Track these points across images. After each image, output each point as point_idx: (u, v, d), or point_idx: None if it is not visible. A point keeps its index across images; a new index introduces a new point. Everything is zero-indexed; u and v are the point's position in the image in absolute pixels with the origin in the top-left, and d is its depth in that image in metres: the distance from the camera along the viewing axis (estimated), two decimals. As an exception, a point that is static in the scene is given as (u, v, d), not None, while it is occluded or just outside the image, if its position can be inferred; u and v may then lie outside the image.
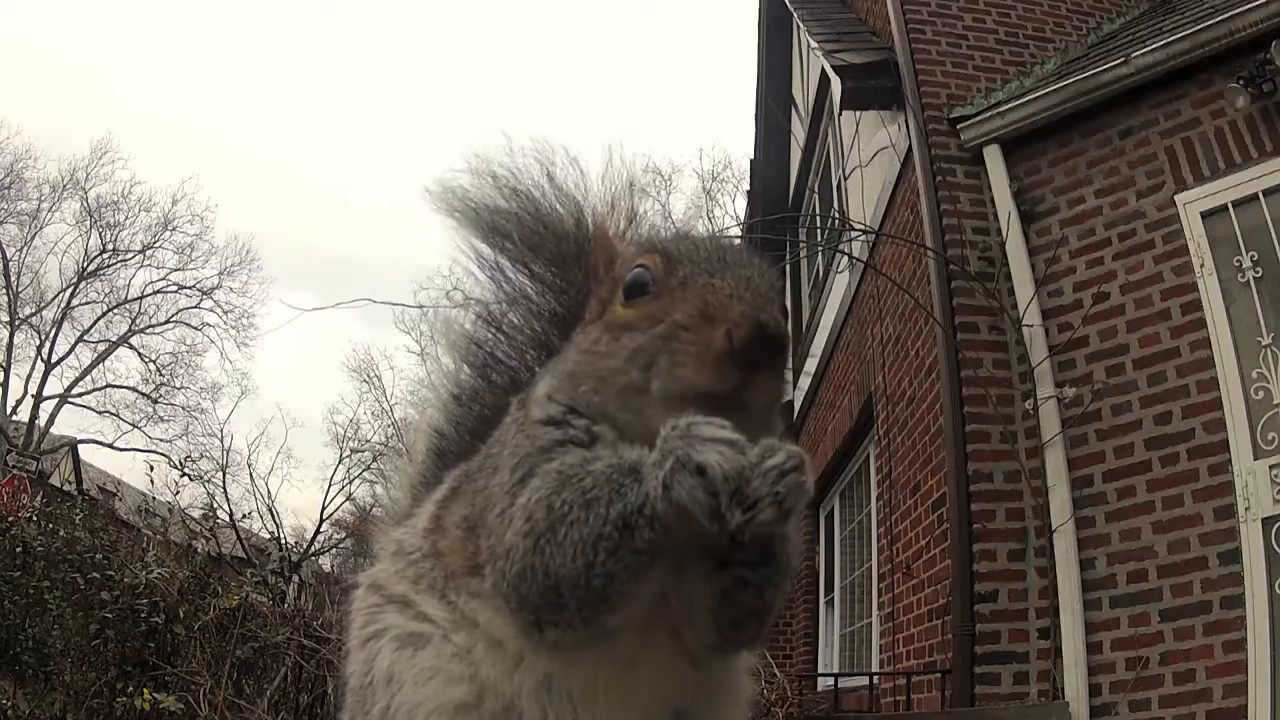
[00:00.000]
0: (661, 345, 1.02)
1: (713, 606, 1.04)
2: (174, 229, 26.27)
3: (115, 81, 43.19)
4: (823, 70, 6.92)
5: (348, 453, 26.11)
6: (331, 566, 21.78)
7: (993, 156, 4.95)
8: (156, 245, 26.20)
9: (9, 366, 24.39)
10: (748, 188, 13.30)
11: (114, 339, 26.10)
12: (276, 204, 46.94)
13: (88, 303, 25.83)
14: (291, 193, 48.00)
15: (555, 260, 1.50)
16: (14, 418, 24.18)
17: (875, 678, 5.92)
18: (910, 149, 5.43)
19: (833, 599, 8.34)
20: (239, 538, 15.38)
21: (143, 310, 26.33)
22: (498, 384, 1.54)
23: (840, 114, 7.30)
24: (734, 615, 1.05)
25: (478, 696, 1.10)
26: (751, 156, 11.57)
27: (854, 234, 6.69)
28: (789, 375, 1.17)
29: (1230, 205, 4.20)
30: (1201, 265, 4.22)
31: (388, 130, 54.56)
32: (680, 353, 1.00)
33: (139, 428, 25.79)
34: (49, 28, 38.78)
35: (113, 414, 25.83)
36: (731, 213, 21.01)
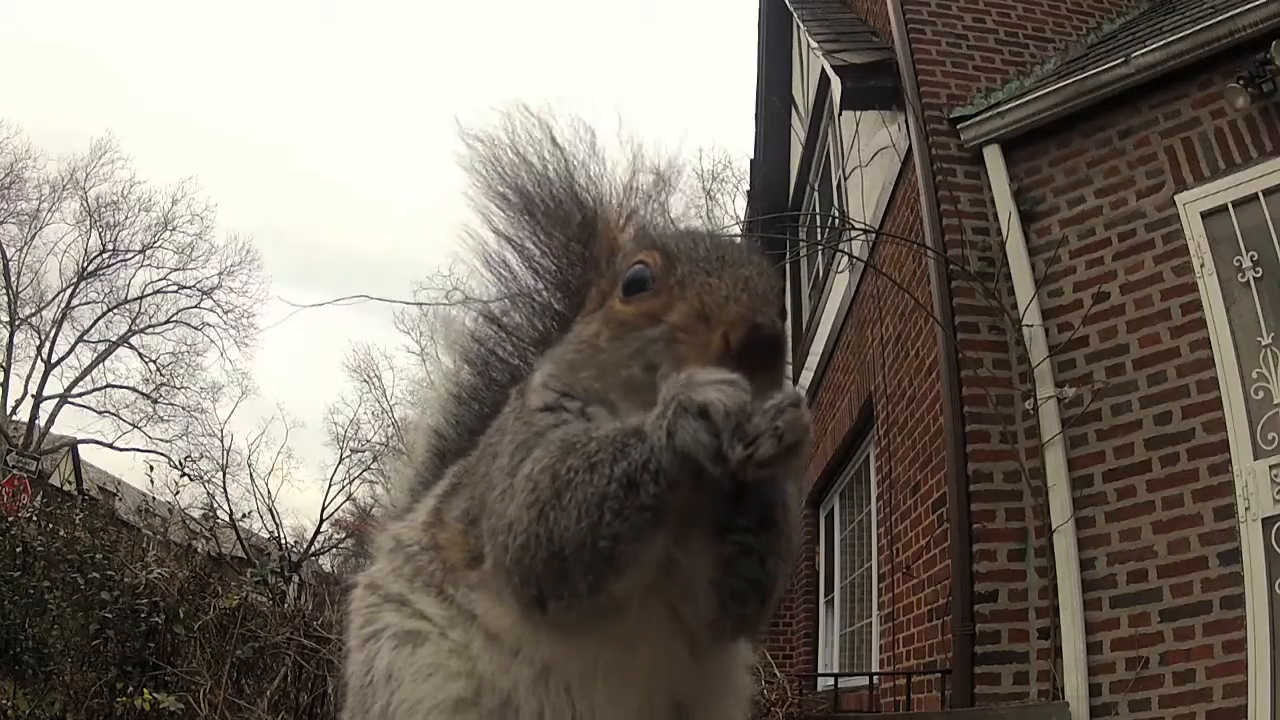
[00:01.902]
0: (663, 349, 1.03)
1: (714, 578, 1.04)
2: (174, 229, 26.26)
3: (115, 80, 43.22)
4: (823, 70, 6.92)
5: (348, 453, 26.17)
6: (331, 566, 21.77)
7: (993, 156, 4.95)
8: (156, 245, 26.18)
9: (9, 366, 24.39)
10: (748, 187, 13.30)
11: (114, 339, 26.07)
12: (280, 201, 47.02)
13: (88, 303, 25.82)
14: (295, 190, 48.05)
15: (563, 256, 1.50)
16: (14, 418, 24.16)
17: (875, 678, 5.93)
18: (910, 149, 5.43)
19: (833, 599, 8.34)
20: (239, 538, 15.35)
21: (143, 310, 26.32)
22: (498, 381, 1.55)
23: (840, 114, 7.30)
24: (735, 586, 1.04)
25: (476, 692, 1.11)
26: (751, 156, 11.57)
27: (854, 234, 6.69)
28: (787, 375, 1.17)
29: (1230, 205, 4.20)
30: (1201, 265, 4.22)
31: (388, 128, 54.63)
32: (680, 357, 1.01)
33: (139, 428, 25.80)
34: (48, 25, 38.82)
35: (113, 414, 25.83)
36: (731, 212, 21.00)
